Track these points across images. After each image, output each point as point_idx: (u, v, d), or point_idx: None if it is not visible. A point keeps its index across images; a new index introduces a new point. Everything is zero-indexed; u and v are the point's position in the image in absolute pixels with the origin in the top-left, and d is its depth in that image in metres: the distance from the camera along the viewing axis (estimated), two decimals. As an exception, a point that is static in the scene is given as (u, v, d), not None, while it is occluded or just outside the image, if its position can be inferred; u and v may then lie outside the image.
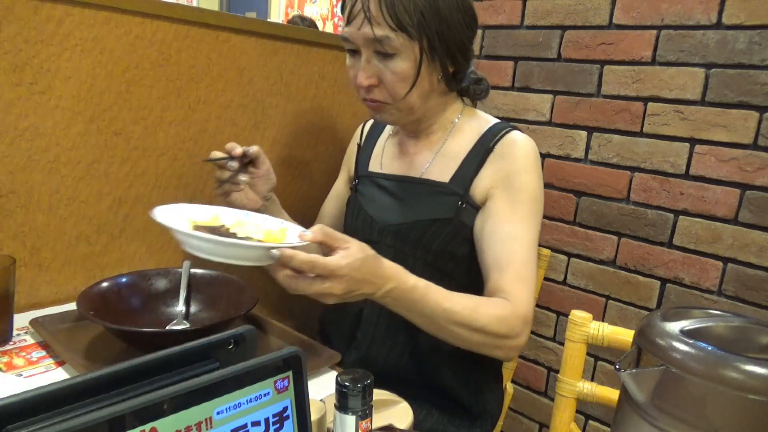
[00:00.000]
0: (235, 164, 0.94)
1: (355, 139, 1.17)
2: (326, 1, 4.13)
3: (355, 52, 0.91)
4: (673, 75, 1.35)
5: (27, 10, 0.85)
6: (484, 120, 1.00)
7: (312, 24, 3.02)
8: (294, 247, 0.69)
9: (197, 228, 0.74)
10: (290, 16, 3.33)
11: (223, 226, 0.80)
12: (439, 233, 0.93)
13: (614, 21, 1.43)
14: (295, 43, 1.21)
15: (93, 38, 0.93)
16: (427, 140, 1.01)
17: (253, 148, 0.95)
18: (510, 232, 0.89)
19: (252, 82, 1.16)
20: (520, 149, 0.93)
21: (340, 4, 0.92)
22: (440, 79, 0.92)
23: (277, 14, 4.46)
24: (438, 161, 0.98)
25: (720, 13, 1.27)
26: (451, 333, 0.82)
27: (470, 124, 1.00)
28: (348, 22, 0.88)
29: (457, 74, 0.94)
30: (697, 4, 1.30)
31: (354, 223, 1.04)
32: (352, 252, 0.72)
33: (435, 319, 0.80)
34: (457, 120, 1.00)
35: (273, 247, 0.68)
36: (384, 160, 1.06)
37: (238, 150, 0.93)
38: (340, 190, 1.19)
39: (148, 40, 0.99)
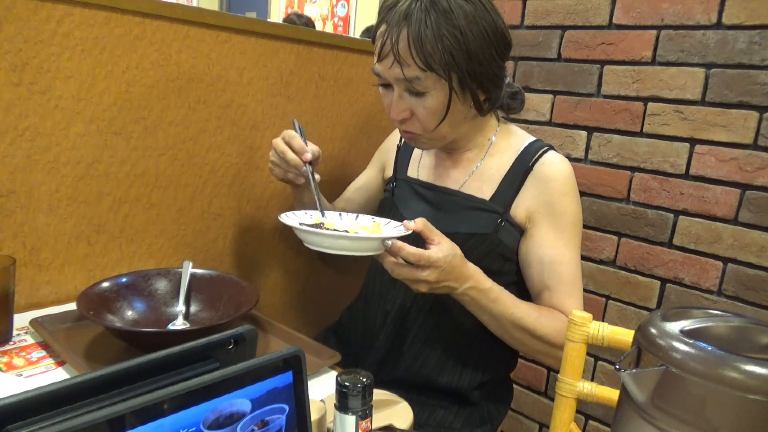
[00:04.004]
0: (309, 168, 0.96)
1: (394, 140, 1.17)
2: (326, 1, 4.13)
3: (387, 85, 0.91)
4: (673, 75, 1.35)
5: (27, 10, 0.86)
6: (520, 137, 1.01)
7: (309, 22, 3.01)
8: (399, 237, 0.81)
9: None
10: (286, 14, 3.31)
11: (322, 224, 0.93)
12: (475, 247, 0.94)
13: (614, 21, 1.43)
14: (295, 43, 1.21)
15: (93, 38, 0.93)
16: (463, 156, 1.02)
17: (316, 150, 0.96)
18: (555, 257, 0.94)
19: (252, 82, 1.16)
20: (558, 172, 0.95)
21: (371, 37, 0.92)
22: (471, 106, 0.92)
23: (277, 14, 4.46)
24: (476, 178, 0.99)
25: (720, 13, 1.28)
26: (513, 336, 0.91)
27: (507, 142, 1.01)
28: (378, 59, 0.88)
29: (488, 100, 0.94)
30: (697, 4, 1.30)
31: None
32: (445, 248, 0.82)
33: (502, 321, 0.89)
34: (493, 138, 1.01)
35: (387, 238, 0.80)
36: (421, 168, 1.07)
37: (309, 156, 0.95)
38: (368, 182, 1.20)
39: (148, 40, 0.99)
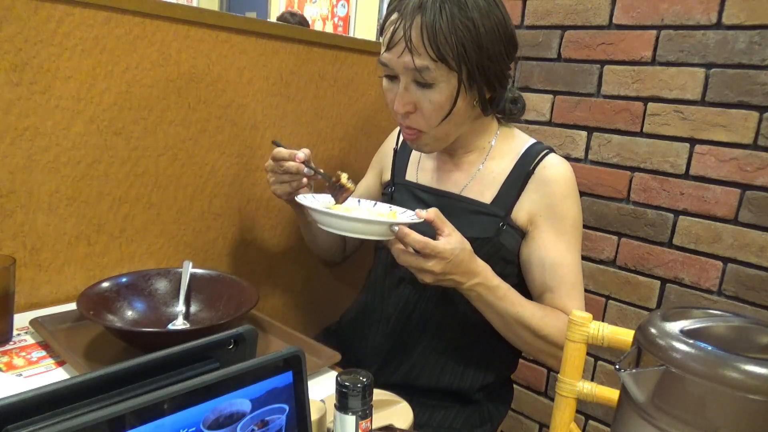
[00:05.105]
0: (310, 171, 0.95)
1: (391, 143, 1.16)
2: (326, 1, 4.13)
3: (392, 77, 0.91)
4: (673, 75, 1.35)
5: (27, 10, 0.86)
6: (521, 140, 1.01)
7: (303, 21, 2.99)
8: (411, 225, 0.81)
9: None
10: (280, 13, 3.25)
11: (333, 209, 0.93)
12: (477, 251, 0.93)
13: (614, 21, 1.43)
14: (295, 43, 1.21)
15: (93, 38, 0.93)
16: (464, 159, 1.01)
17: (307, 151, 0.95)
18: (556, 259, 0.94)
19: (252, 82, 1.16)
20: (559, 175, 0.95)
21: (379, 28, 0.92)
22: (476, 104, 0.91)
23: (277, 14, 4.46)
24: (477, 181, 0.99)
25: (720, 13, 1.28)
26: (517, 334, 0.92)
27: (508, 145, 1.00)
28: (388, 48, 0.87)
29: (493, 100, 0.94)
30: (697, 4, 1.30)
31: None
32: (454, 240, 0.82)
33: (507, 319, 0.90)
34: (494, 141, 1.01)
35: (394, 224, 0.81)
36: (420, 171, 1.07)
37: (301, 155, 0.94)
38: (368, 190, 1.20)
39: (148, 40, 0.99)
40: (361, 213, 0.94)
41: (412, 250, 0.82)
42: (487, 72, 0.87)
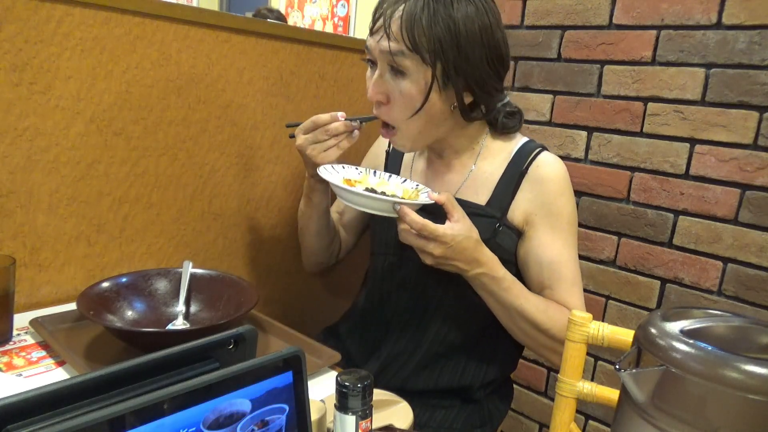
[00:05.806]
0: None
1: (383, 145, 1.15)
2: (326, 1, 4.13)
3: (373, 65, 0.91)
4: (673, 75, 1.35)
5: (27, 10, 0.86)
6: (513, 139, 1.01)
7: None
8: (417, 205, 0.83)
9: (346, 182, 0.92)
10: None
11: (361, 180, 0.98)
12: None
13: (614, 21, 1.43)
14: (295, 43, 1.21)
15: (93, 38, 0.93)
16: (455, 161, 1.01)
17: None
18: (554, 257, 0.94)
19: (252, 82, 1.16)
20: (553, 173, 0.95)
21: (372, 15, 0.93)
22: (454, 109, 0.91)
23: (273, 13, 4.45)
24: (471, 183, 0.99)
25: (720, 13, 1.28)
26: (519, 327, 0.92)
27: (499, 144, 1.00)
28: (370, 33, 0.89)
29: (475, 106, 0.93)
30: (697, 4, 1.30)
31: (386, 235, 1.04)
32: (459, 227, 0.83)
33: (510, 311, 0.90)
34: (484, 141, 1.00)
35: (396, 202, 0.83)
36: (414, 174, 1.06)
37: (339, 113, 0.95)
38: None
39: (148, 40, 0.99)
40: (391, 187, 0.97)
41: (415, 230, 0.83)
42: (464, 73, 0.86)
